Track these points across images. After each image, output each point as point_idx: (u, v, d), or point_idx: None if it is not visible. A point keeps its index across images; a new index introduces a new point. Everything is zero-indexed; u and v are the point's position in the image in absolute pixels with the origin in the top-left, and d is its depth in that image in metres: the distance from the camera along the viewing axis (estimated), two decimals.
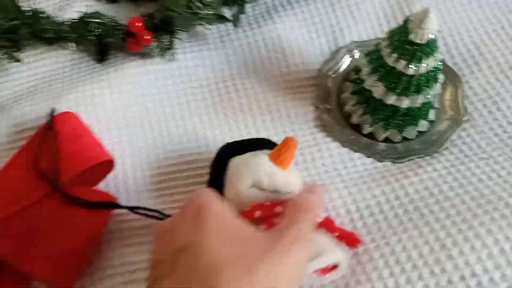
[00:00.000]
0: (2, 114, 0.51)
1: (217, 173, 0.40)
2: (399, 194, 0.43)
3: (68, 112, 0.48)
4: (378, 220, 0.42)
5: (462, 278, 0.37)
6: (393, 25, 0.54)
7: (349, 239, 0.39)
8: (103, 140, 0.48)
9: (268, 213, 0.36)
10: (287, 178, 0.39)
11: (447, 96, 0.51)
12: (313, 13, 0.55)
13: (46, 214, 0.41)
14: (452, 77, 0.51)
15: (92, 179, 0.45)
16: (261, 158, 0.39)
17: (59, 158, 0.43)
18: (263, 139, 0.44)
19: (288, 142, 0.38)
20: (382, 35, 0.54)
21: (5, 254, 0.39)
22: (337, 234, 0.38)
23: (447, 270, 0.37)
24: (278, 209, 0.36)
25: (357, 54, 0.53)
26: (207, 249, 0.27)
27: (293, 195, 0.38)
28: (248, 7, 0.56)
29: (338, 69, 0.52)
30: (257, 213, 0.36)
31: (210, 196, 0.32)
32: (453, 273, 0.37)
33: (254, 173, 0.38)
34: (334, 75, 0.52)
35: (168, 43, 0.50)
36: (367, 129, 0.48)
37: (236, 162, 0.40)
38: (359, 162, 0.47)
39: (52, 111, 0.47)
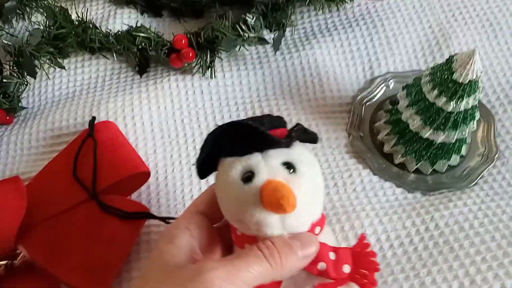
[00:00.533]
0: (40, 117, 0.52)
1: (205, 167, 0.33)
2: (429, 226, 0.44)
3: (107, 121, 0.50)
4: (407, 251, 0.42)
5: None
6: (429, 58, 0.55)
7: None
8: (139, 151, 0.49)
9: None
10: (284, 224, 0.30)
11: (480, 132, 0.51)
12: (351, 41, 0.56)
13: (81, 221, 0.42)
14: (486, 114, 0.52)
15: (127, 189, 0.46)
16: (248, 199, 0.29)
17: (97, 167, 0.44)
18: (264, 118, 0.33)
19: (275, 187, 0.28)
20: (417, 67, 0.55)
21: (37, 257, 0.40)
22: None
23: None
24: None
25: (392, 84, 0.54)
26: None
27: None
28: (287, 31, 0.57)
29: (373, 98, 0.53)
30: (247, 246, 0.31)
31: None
32: None
33: (240, 215, 0.30)
34: (368, 103, 0.53)
35: (209, 62, 0.52)
36: (399, 159, 0.49)
37: (222, 188, 0.31)
38: (390, 192, 0.47)
39: (92, 120, 0.48)
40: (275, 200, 0.28)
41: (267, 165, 0.30)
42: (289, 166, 0.30)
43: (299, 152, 0.31)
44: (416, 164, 0.48)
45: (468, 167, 0.49)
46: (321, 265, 0.31)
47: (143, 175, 0.46)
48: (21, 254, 0.41)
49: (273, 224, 0.29)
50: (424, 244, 0.42)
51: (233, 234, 0.33)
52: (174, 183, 0.47)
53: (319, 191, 0.31)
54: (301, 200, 0.29)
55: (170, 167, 0.48)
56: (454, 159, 0.49)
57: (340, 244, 0.43)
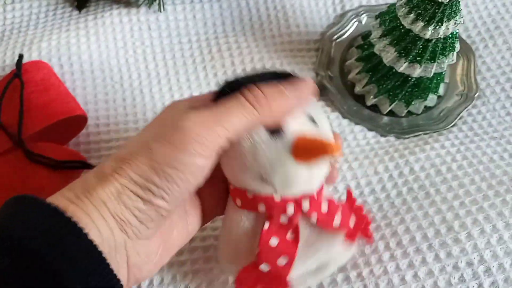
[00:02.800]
0: None
1: None
2: (403, 171, 0.39)
3: (38, 61, 0.43)
4: (379, 199, 0.38)
5: (470, 264, 0.34)
6: None
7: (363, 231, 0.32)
8: (77, 96, 0.42)
9: (275, 211, 0.28)
10: (308, 178, 0.28)
11: (459, 70, 0.46)
12: None
13: (5, 172, 0.36)
14: (465, 50, 0.47)
15: (61, 136, 0.40)
16: (278, 152, 0.27)
17: (23, 110, 0.37)
18: (285, 73, 0.30)
19: (325, 146, 0.27)
20: (392, 0, 0.50)
21: None
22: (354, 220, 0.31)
23: (454, 254, 0.34)
24: (289, 209, 0.29)
25: (364, 19, 0.48)
26: None
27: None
28: None
29: (343, 34, 0.48)
30: (261, 207, 0.28)
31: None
32: (460, 258, 0.34)
33: (265, 171, 0.27)
34: (338, 40, 0.47)
35: None
36: (371, 101, 0.44)
37: (242, 144, 0.27)
38: (361, 136, 0.43)
39: (20, 58, 0.42)
40: (314, 147, 0.27)
41: (294, 119, 0.28)
42: (311, 119, 0.29)
43: (313, 105, 0.30)
44: (390, 105, 0.43)
45: (445, 107, 0.45)
46: (336, 222, 0.29)
47: (80, 120, 0.40)
48: None
49: (301, 178, 0.28)
50: (398, 190, 0.38)
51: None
52: (117, 130, 0.41)
53: None
54: None
55: (113, 112, 0.42)
56: (431, 99, 0.44)
57: None
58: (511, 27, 0.48)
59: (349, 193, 0.33)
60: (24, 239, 0.22)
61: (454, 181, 0.38)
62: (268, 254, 0.29)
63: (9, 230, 0.22)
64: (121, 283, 0.24)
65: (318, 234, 0.29)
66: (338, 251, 0.30)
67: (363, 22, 0.49)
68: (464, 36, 0.48)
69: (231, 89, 0.27)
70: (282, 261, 0.29)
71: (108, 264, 0.23)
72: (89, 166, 0.37)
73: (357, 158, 0.41)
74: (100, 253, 0.23)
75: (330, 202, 0.30)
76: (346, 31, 0.48)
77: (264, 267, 0.29)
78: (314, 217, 0.29)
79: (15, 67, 0.42)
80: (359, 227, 0.31)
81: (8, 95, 0.39)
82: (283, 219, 0.29)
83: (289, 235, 0.29)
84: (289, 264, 0.29)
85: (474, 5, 0.50)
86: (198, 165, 0.25)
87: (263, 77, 0.28)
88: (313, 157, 0.27)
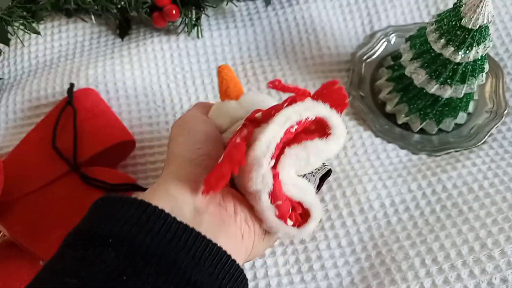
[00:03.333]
0: (17, 88, 0.49)
1: None
2: (436, 189, 0.41)
3: (87, 88, 0.46)
4: (414, 216, 0.39)
5: (504, 280, 0.35)
6: (433, 9, 0.51)
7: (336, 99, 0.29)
8: (123, 120, 0.45)
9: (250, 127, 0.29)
10: (244, 108, 0.33)
11: (487, 87, 0.48)
12: None
13: (62, 195, 0.39)
14: (494, 67, 0.48)
15: (111, 160, 0.43)
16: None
17: (77, 137, 0.40)
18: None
19: (220, 72, 0.35)
20: (420, 20, 0.51)
21: (18, 236, 0.38)
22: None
23: (488, 271, 0.35)
24: (258, 115, 0.30)
25: (393, 39, 0.50)
26: None
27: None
28: None
29: (373, 54, 0.49)
30: (237, 138, 0.28)
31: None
32: (494, 274, 0.35)
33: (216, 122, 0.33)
34: (368, 60, 0.49)
35: (194, 20, 0.48)
36: (402, 119, 0.45)
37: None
38: (393, 154, 0.44)
39: (71, 87, 0.45)
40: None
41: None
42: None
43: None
44: (421, 124, 0.45)
45: (475, 125, 0.46)
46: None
47: (128, 145, 0.43)
48: (1, 234, 0.38)
49: None
50: (431, 208, 0.40)
51: None
52: (161, 152, 0.44)
53: None
54: None
55: (157, 135, 0.45)
56: (461, 117, 0.46)
57: (342, 211, 0.40)
58: None
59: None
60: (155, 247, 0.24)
61: (487, 199, 0.39)
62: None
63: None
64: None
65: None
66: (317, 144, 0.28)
67: (392, 42, 0.50)
68: (492, 54, 0.49)
69: None
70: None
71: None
72: (140, 188, 0.39)
73: (391, 176, 0.42)
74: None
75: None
76: (376, 51, 0.50)
77: None
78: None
79: (66, 95, 0.45)
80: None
81: (61, 122, 0.42)
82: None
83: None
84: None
85: (501, 23, 0.51)
86: None
87: None
88: None
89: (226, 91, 0.35)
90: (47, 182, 0.40)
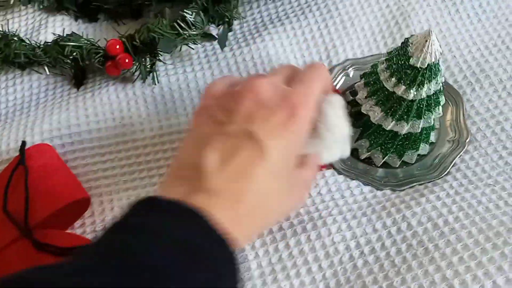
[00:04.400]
0: None
1: None
2: (401, 227, 0.40)
3: (41, 144, 0.45)
4: (379, 258, 0.38)
5: None
6: (389, 40, 0.51)
7: None
8: (78, 174, 0.44)
9: None
10: None
11: (448, 116, 0.47)
12: (305, 29, 0.52)
13: (14, 262, 0.37)
14: (453, 95, 0.48)
15: (66, 220, 0.41)
16: None
17: (28, 199, 0.39)
18: None
19: None
20: (377, 51, 0.51)
21: None
22: None
23: None
24: None
25: (352, 73, 0.50)
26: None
27: None
28: (236, 24, 0.53)
29: None
30: None
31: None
32: None
33: None
34: None
35: (149, 66, 0.47)
36: (364, 154, 0.45)
37: None
38: (357, 191, 0.43)
39: (23, 145, 0.43)
40: None
41: None
42: None
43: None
44: (383, 158, 0.44)
45: (439, 154, 0.46)
46: None
47: (83, 202, 0.41)
48: None
49: None
50: (397, 247, 0.39)
51: None
52: (121, 206, 0.43)
53: None
54: None
55: (114, 188, 0.44)
56: (423, 148, 0.45)
57: (307, 257, 0.39)
58: (495, 69, 0.49)
59: None
60: None
61: (452, 235, 0.39)
62: None
63: None
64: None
65: None
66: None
67: (351, 75, 0.50)
68: (450, 81, 0.49)
69: None
70: None
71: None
72: None
73: (355, 215, 0.41)
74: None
75: None
76: (335, 86, 0.49)
77: None
78: None
79: (19, 152, 0.44)
80: None
81: (13, 182, 0.41)
82: None
83: None
84: None
85: (458, 50, 0.51)
86: None
87: None
88: None
89: None
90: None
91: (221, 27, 0.50)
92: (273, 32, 0.52)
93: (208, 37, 0.51)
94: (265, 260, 0.39)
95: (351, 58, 0.51)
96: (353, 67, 0.50)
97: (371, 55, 0.51)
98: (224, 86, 0.37)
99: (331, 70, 0.50)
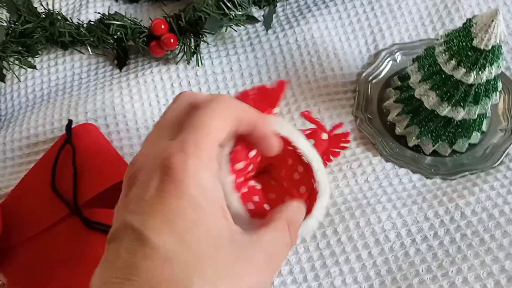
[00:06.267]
0: (14, 124, 0.47)
1: None
2: (454, 216, 0.39)
3: (86, 124, 0.45)
4: (433, 246, 0.37)
5: None
6: (438, 25, 0.50)
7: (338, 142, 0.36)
8: (124, 155, 0.44)
9: None
10: None
11: (501, 104, 0.46)
12: (350, 12, 0.51)
13: (63, 240, 0.37)
14: (506, 83, 0.46)
15: (113, 200, 0.41)
16: None
17: (77, 177, 0.39)
18: None
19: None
20: (425, 36, 0.50)
21: (17, 284, 0.36)
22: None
23: None
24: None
25: (399, 58, 0.48)
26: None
27: None
28: (279, 6, 0.51)
29: (379, 74, 0.48)
30: None
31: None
32: None
33: None
34: (374, 81, 0.47)
35: (193, 47, 0.46)
36: (413, 141, 0.44)
37: None
38: (406, 179, 0.42)
39: (69, 124, 0.43)
40: None
41: None
42: None
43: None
44: (433, 146, 0.43)
45: (490, 144, 0.44)
46: None
47: None
48: (0, 283, 0.36)
49: None
50: (451, 237, 0.38)
51: None
52: None
53: None
54: None
55: None
56: (475, 137, 0.44)
57: (357, 243, 0.38)
58: None
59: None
60: None
61: (509, 225, 0.37)
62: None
63: None
64: None
65: None
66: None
67: (398, 60, 0.49)
68: (503, 69, 0.47)
69: None
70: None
71: None
72: None
73: (405, 203, 0.40)
74: None
75: None
76: (382, 71, 0.48)
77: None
78: None
79: (64, 130, 0.44)
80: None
81: (60, 161, 0.41)
82: None
83: None
84: None
85: (510, 36, 0.49)
86: None
87: None
88: None
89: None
90: (47, 226, 0.38)
91: (266, 8, 0.49)
92: (317, 14, 0.51)
93: (252, 19, 0.50)
94: (312, 245, 0.39)
95: (399, 43, 0.49)
96: (401, 51, 0.49)
97: (420, 40, 0.49)
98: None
99: (377, 54, 0.49)
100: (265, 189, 0.29)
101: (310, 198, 0.29)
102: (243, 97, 0.29)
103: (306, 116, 0.35)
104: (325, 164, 0.35)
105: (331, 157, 0.40)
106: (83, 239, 0.37)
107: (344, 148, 0.38)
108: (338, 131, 0.40)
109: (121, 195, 0.27)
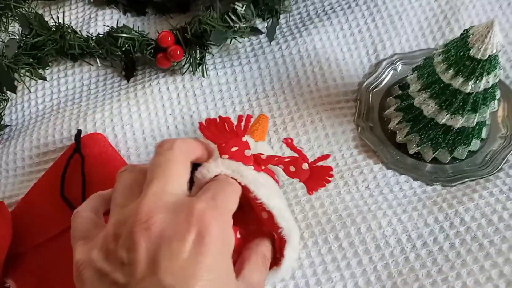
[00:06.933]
0: (25, 134, 0.49)
1: None
2: (454, 222, 0.40)
3: (95, 133, 0.46)
4: (432, 252, 0.38)
5: None
6: (438, 35, 0.51)
7: (321, 175, 0.34)
8: (131, 163, 0.45)
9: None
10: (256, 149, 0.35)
11: (500, 112, 0.47)
12: (352, 23, 0.52)
13: (71, 247, 0.38)
14: (505, 91, 0.47)
15: None
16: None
17: (85, 185, 0.40)
18: None
19: (261, 117, 0.39)
20: (425, 46, 0.51)
21: None
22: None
23: None
24: (263, 156, 0.33)
25: (400, 67, 0.49)
26: None
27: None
28: (282, 18, 0.53)
29: (380, 83, 0.49)
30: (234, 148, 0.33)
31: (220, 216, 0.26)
32: None
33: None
34: (375, 90, 0.48)
35: (199, 59, 0.48)
36: (413, 149, 0.45)
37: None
38: (407, 186, 0.43)
39: (78, 133, 0.45)
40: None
41: None
42: None
43: None
44: (433, 153, 0.44)
45: (490, 151, 0.45)
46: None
47: None
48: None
49: None
50: (450, 242, 0.38)
51: None
52: None
53: None
54: None
55: None
56: (475, 144, 0.44)
57: (358, 249, 0.39)
58: None
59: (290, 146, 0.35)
60: None
61: (508, 231, 0.38)
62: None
63: None
64: None
65: None
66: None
67: (399, 70, 0.50)
68: (502, 77, 0.48)
69: None
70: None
71: None
72: None
73: (406, 210, 0.41)
74: None
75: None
76: (383, 80, 0.49)
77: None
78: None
79: (73, 139, 0.45)
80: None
81: (69, 170, 0.42)
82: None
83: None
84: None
85: (510, 45, 0.50)
86: None
87: None
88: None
89: (254, 131, 0.38)
90: (56, 232, 0.39)
91: (270, 20, 0.50)
92: (319, 26, 0.52)
93: (255, 31, 0.51)
94: (314, 250, 0.39)
95: (399, 53, 0.51)
96: (401, 61, 0.50)
97: (420, 50, 0.50)
98: (89, 219, 0.29)
99: (378, 64, 0.50)
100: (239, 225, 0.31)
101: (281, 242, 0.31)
102: (207, 125, 0.34)
103: (288, 144, 0.34)
104: (309, 193, 0.34)
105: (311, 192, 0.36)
106: None
107: (327, 182, 0.34)
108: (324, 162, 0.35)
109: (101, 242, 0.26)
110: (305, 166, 0.33)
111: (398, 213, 0.41)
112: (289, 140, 0.34)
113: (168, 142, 0.29)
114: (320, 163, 0.34)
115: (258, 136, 0.38)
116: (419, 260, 0.38)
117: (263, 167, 0.34)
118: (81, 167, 0.41)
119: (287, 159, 0.34)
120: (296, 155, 0.34)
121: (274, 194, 0.32)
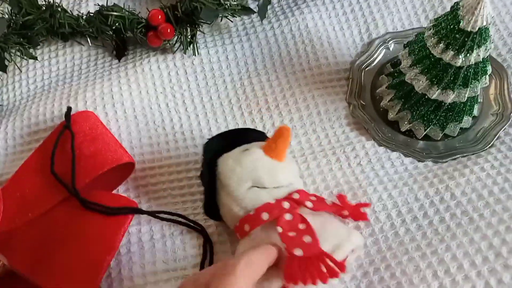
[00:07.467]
0: (16, 113, 0.49)
1: (209, 178, 0.38)
2: (444, 196, 0.40)
3: (85, 111, 0.46)
4: (422, 226, 0.38)
5: None
6: (431, 13, 0.51)
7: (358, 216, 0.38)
8: (123, 141, 0.45)
9: (277, 212, 0.34)
10: (286, 170, 0.37)
11: (492, 89, 0.47)
12: (344, 2, 0.52)
13: (62, 222, 0.38)
14: (497, 68, 0.47)
15: (111, 183, 0.42)
16: (256, 153, 0.36)
17: (75, 161, 0.40)
18: (248, 128, 0.43)
19: (282, 131, 0.36)
20: (418, 25, 0.51)
21: (19, 267, 0.37)
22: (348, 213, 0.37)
23: (505, 281, 0.34)
24: (285, 204, 0.35)
25: (392, 46, 0.49)
26: None
27: (294, 186, 0.37)
28: None
29: (372, 62, 0.49)
30: (265, 216, 0.34)
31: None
32: (511, 285, 0.34)
33: (252, 172, 0.35)
34: (368, 68, 0.48)
35: (190, 37, 0.47)
36: (405, 126, 0.44)
37: (228, 163, 0.37)
38: (398, 162, 0.43)
39: (68, 111, 0.44)
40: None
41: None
42: None
43: None
44: (425, 130, 0.44)
45: (482, 128, 0.45)
46: (328, 201, 0.37)
47: (128, 167, 0.42)
48: (1, 263, 0.37)
49: (280, 169, 0.37)
50: (440, 216, 0.38)
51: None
52: (162, 173, 0.43)
53: None
54: None
55: (157, 156, 0.44)
56: (466, 121, 0.44)
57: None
58: None
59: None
60: None
61: (497, 205, 0.38)
62: (293, 241, 0.32)
63: None
64: None
65: (319, 218, 0.35)
66: (345, 232, 0.35)
67: (391, 49, 0.49)
68: (494, 55, 0.48)
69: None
70: (307, 239, 0.32)
71: None
72: (140, 211, 0.39)
73: (396, 185, 0.41)
74: None
75: (316, 195, 0.37)
76: (375, 59, 0.49)
77: (297, 252, 0.31)
78: (308, 203, 0.35)
79: (63, 118, 0.45)
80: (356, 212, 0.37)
81: (60, 146, 0.42)
82: (287, 217, 0.33)
83: (301, 226, 0.33)
84: (315, 238, 0.32)
85: (502, 23, 0.50)
86: None
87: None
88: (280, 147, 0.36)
89: (276, 149, 0.36)
90: (47, 208, 0.39)
91: None
92: (311, 4, 0.52)
93: (247, 10, 0.51)
94: None
95: (391, 32, 0.50)
96: (394, 40, 0.50)
97: (412, 28, 0.50)
98: None
99: (371, 42, 0.50)
100: None
101: None
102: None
103: (341, 198, 0.38)
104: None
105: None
106: (81, 219, 0.38)
107: (365, 219, 0.38)
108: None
109: None
110: (346, 213, 0.38)
111: (388, 189, 0.41)
112: (343, 197, 0.38)
113: (230, 266, 0.29)
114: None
115: (280, 154, 0.37)
116: (408, 234, 0.38)
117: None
118: (71, 143, 0.41)
119: (330, 204, 0.37)
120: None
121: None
